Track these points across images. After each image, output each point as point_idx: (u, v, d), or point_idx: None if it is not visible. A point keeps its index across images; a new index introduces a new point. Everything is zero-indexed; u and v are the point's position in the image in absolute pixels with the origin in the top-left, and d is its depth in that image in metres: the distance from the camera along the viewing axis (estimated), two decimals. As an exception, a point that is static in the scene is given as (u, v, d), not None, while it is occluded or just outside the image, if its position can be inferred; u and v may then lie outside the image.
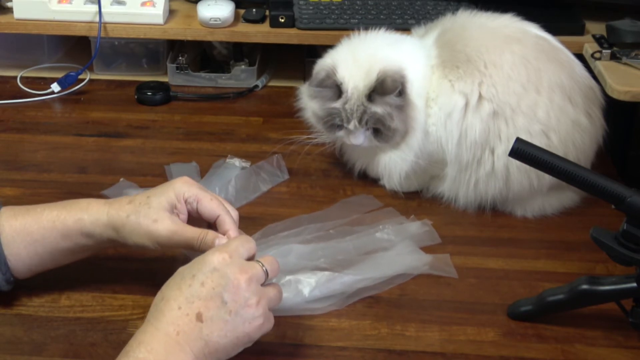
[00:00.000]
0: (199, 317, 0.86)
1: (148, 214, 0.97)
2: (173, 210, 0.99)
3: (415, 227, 1.17)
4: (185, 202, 0.99)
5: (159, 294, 0.89)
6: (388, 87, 1.17)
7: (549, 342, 1.00)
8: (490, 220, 1.23)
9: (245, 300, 0.88)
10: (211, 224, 1.01)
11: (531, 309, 1.02)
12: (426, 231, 1.17)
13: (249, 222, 1.15)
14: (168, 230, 0.96)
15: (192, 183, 1.01)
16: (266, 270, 0.92)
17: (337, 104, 1.20)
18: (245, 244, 0.93)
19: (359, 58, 1.21)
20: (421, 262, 1.10)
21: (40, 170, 1.31)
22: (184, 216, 1.00)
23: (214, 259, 0.89)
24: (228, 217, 0.99)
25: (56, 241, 0.99)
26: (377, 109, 1.18)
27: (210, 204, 1.00)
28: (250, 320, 0.89)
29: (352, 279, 1.05)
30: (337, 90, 1.20)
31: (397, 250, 1.12)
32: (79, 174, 1.31)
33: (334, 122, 1.21)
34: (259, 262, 0.92)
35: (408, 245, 1.13)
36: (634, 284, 0.95)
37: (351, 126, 1.20)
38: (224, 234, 0.98)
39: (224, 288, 0.87)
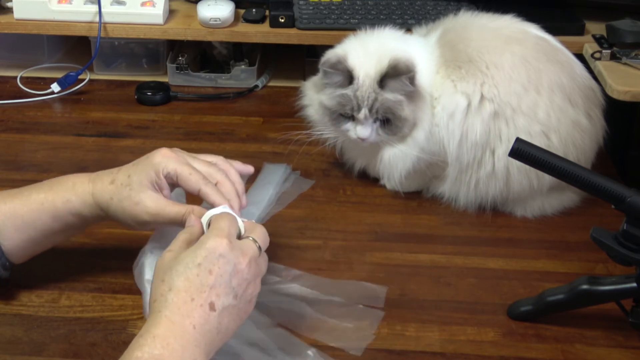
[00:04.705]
0: (212, 307, 0.85)
1: (130, 196, 0.97)
2: (154, 187, 0.98)
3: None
4: (166, 177, 0.99)
5: (162, 284, 0.86)
6: (402, 69, 1.16)
7: (549, 342, 1.00)
8: (490, 220, 1.22)
9: (247, 283, 0.89)
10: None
11: (531, 309, 1.02)
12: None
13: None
14: (149, 213, 0.97)
15: (170, 156, 1.00)
16: (259, 246, 0.92)
17: (348, 91, 1.19)
18: (234, 223, 0.92)
19: (369, 49, 1.20)
20: None
21: (40, 170, 1.31)
22: (167, 191, 0.99)
23: (217, 245, 0.87)
24: (209, 188, 0.98)
25: (47, 223, 1.00)
26: (389, 95, 1.17)
27: (189, 178, 0.99)
28: (250, 299, 0.90)
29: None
30: (349, 76, 1.19)
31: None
32: (79, 174, 1.31)
33: (343, 111, 1.20)
34: (251, 237, 0.92)
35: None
36: (634, 284, 0.95)
37: (361, 115, 1.18)
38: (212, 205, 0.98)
39: (230, 274, 0.87)
